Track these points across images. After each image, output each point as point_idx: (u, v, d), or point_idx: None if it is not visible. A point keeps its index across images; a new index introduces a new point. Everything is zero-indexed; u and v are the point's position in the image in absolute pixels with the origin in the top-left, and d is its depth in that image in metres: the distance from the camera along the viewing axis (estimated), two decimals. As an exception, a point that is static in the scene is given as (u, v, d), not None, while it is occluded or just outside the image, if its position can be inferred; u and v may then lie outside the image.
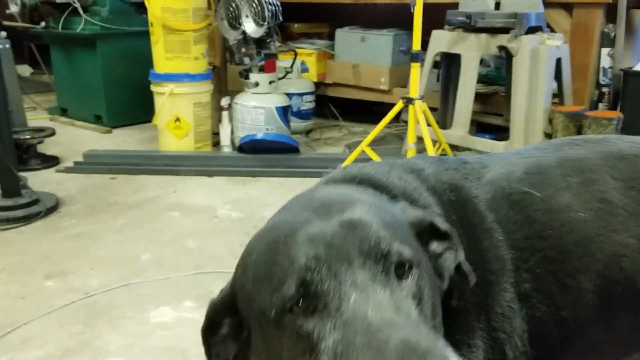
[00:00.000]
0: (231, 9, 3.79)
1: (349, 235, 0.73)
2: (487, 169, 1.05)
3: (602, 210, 1.00)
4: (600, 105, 3.40)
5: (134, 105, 4.61)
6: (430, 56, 3.46)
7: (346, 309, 0.67)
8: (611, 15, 3.37)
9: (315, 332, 0.68)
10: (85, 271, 2.31)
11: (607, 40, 3.38)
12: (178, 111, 3.80)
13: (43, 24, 4.78)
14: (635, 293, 0.99)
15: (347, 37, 4.57)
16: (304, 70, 4.64)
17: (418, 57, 3.06)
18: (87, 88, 4.69)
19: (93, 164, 3.58)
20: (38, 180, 3.33)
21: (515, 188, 1.01)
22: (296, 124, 4.37)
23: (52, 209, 2.91)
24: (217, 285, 2.17)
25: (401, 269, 0.74)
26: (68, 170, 3.54)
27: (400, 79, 4.27)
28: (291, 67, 4.21)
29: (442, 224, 0.87)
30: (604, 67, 3.39)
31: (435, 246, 0.88)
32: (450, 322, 0.86)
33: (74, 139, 4.36)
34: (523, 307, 0.94)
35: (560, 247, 0.97)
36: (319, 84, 4.69)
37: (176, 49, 3.71)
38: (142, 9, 4.13)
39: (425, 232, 0.86)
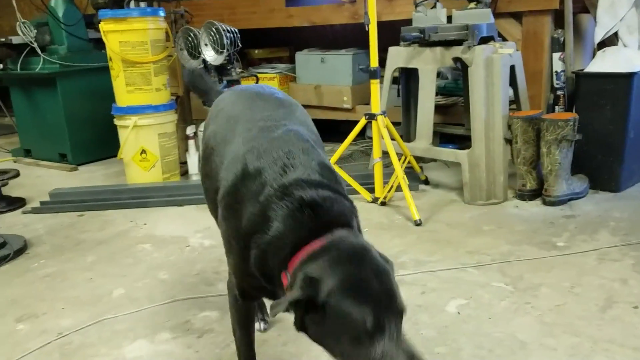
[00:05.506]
0: (190, 38, 3.82)
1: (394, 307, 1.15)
2: None
3: None
4: (557, 108, 3.51)
5: (98, 141, 4.59)
6: (388, 72, 3.53)
7: (387, 342, 1.09)
8: (559, 20, 3.49)
9: (370, 347, 1.08)
10: (57, 311, 2.27)
11: (558, 45, 3.49)
12: (143, 143, 3.79)
13: (1, 66, 4.74)
14: None
15: (307, 60, 4.63)
16: (268, 94, 4.67)
17: (376, 74, 3.12)
18: (50, 127, 4.65)
19: (60, 202, 3.54)
20: (4, 223, 3.28)
21: None
22: (263, 147, 4.38)
23: (20, 251, 2.86)
24: (192, 314, 2.17)
25: None
26: (34, 210, 3.50)
27: (363, 97, 4.34)
28: (254, 92, 4.23)
29: None
30: (556, 71, 3.50)
31: None
32: None
33: (39, 179, 4.32)
34: None
35: None
36: (283, 107, 4.72)
37: (137, 81, 3.72)
38: (100, 44, 4.13)
39: None
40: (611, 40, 3.37)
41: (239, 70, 4.00)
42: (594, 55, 3.42)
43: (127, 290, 2.42)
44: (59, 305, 2.33)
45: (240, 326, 1.55)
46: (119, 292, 2.41)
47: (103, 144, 4.55)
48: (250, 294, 1.45)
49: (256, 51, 5.19)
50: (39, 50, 4.42)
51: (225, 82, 3.93)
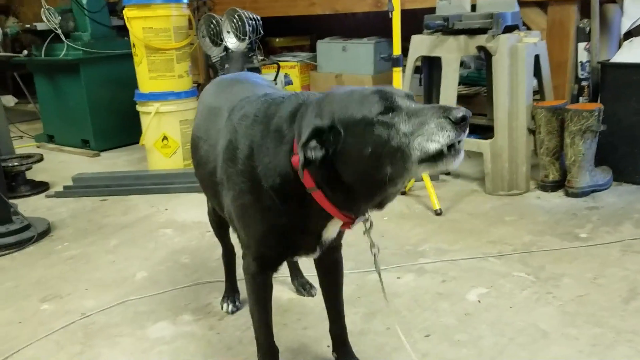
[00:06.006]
0: (212, 25, 3.83)
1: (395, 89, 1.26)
2: None
3: None
4: (581, 98, 3.46)
5: (120, 127, 4.63)
6: (411, 61, 3.50)
7: (407, 107, 1.19)
8: (585, 10, 3.44)
9: (395, 118, 1.16)
10: (81, 292, 2.31)
11: (583, 35, 3.44)
12: (165, 130, 3.82)
13: (25, 52, 4.79)
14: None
15: (328, 48, 4.61)
16: (288, 82, 4.68)
17: (399, 62, 3.10)
18: (73, 113, 4.70)
19: (83, 187, 3.58)
20: (28, 207, 3.33)
21: None
22: (283, 136, 4.39)
23: (44, 234, 2.91)
24: (213, 297, 2.19)
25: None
26: (58, 194, 3.54)
27: (384, 86, 4.32)
28: (275, 79, 4.24)
29: None
30: (581, 62, 3.45)
31: None
32: None
33: (62, 164, 4.37)
34: None
35: None
36: (303, 96, 4.73)
37: (160, 68, 3.74)
38: (123, 31, 4.16)
39: None
40: (638, 30, 3.31)
41: (261, 57, 4.01)
42: (620, 46, 3.37)
43: (149, 273, 2.45)
44: (82, 286, 2.36)
45: (259, 306, 1.55)
46: (142, 274, 2.44)
47: (125, 130, 4.59)
48: (269, 257, 1.47)
49: (277, 39, 5.19)
50: (62, 37, 4.46)
51: (246, 69, 3.94)
